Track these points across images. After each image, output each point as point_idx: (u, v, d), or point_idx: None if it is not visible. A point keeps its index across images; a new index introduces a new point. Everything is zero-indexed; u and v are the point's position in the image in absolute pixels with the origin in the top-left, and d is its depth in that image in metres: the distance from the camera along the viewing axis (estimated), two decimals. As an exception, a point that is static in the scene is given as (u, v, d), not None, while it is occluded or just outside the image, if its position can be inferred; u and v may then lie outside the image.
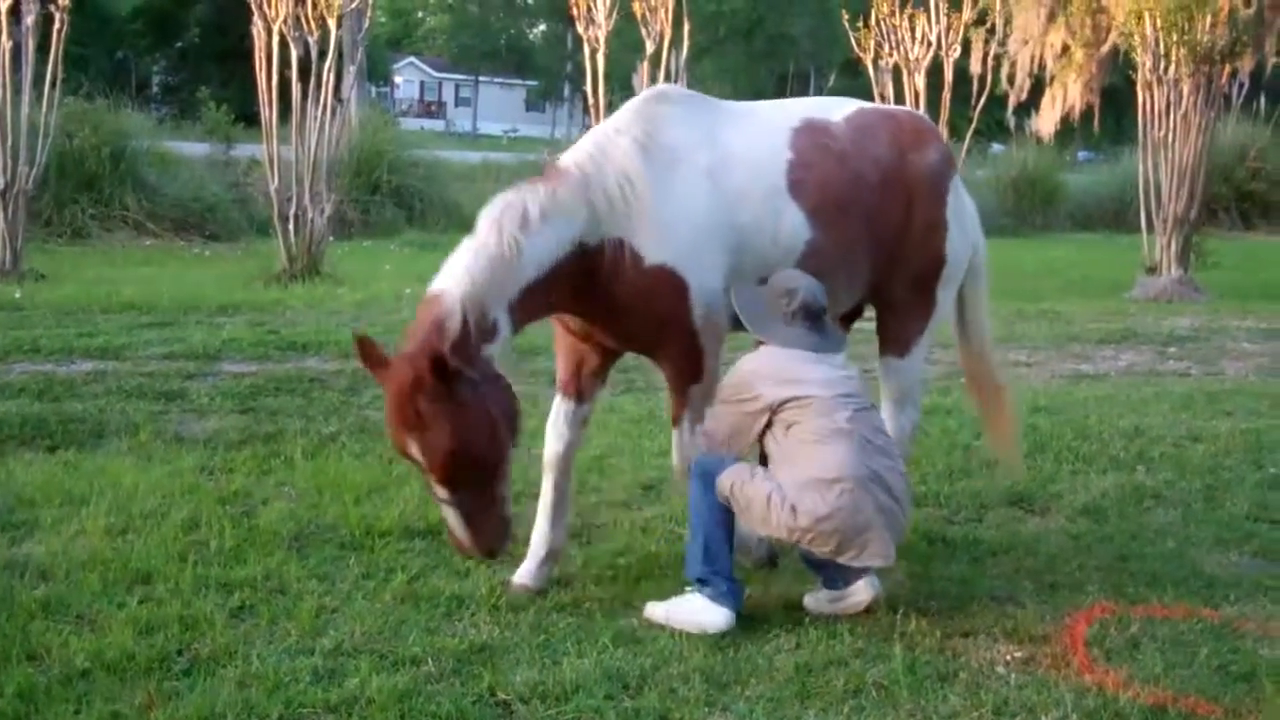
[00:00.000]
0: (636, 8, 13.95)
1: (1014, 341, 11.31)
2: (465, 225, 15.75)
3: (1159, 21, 14.51)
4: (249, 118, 26.19)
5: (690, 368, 5.12)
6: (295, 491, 6.29)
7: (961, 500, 6.61)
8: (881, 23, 14.70)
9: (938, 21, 14.60)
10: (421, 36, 79.79)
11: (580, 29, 14.07)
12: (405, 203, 21.69)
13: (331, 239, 15.09)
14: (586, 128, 49.34)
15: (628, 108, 5.10)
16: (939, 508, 6.49)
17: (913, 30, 14.59)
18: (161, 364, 8.90)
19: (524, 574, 5.19)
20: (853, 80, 45.77)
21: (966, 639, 4.70)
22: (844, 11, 15.31)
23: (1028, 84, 19.87)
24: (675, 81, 13.78)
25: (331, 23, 13.32)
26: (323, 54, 13.54)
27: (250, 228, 19.28)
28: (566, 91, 66.53)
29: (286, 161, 13.91)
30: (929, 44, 14.51)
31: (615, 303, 4.85)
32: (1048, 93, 21.25)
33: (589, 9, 13.91)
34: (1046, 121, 21.39)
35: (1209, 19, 14.52)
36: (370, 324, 10.69)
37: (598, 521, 6.03)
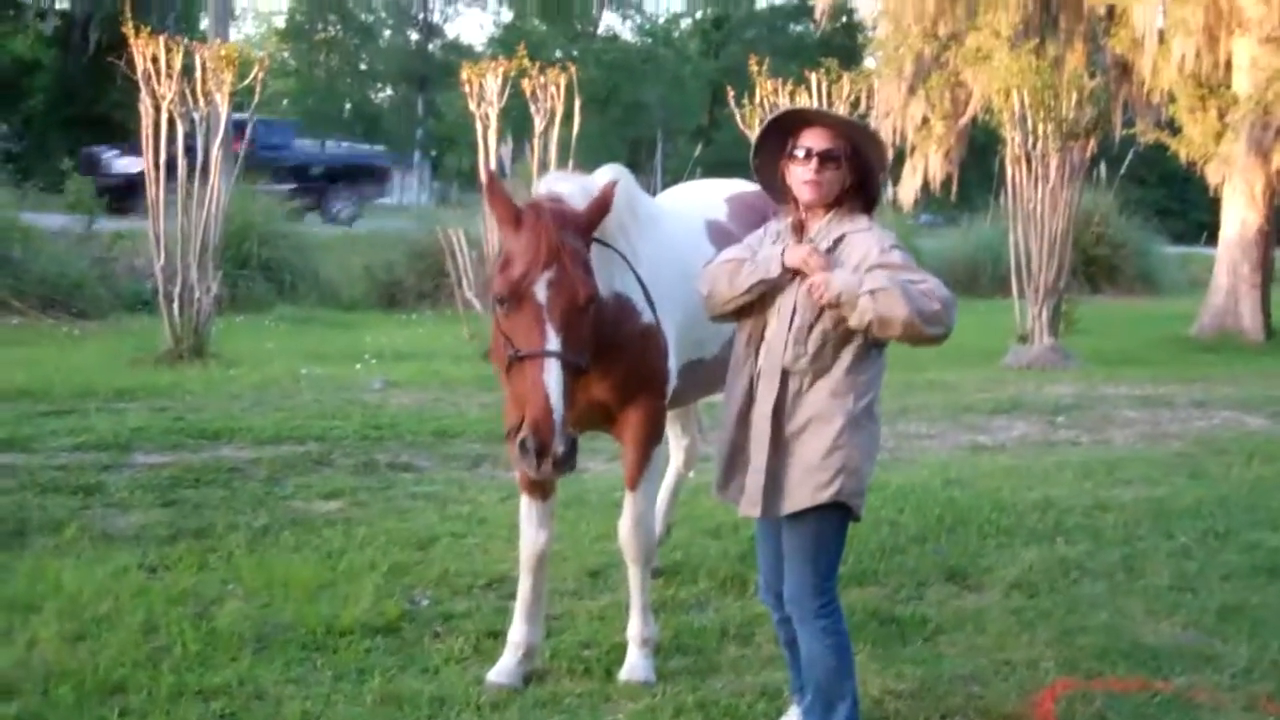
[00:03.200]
0: (527, 85, 14.07)
1: (911, 414, 11.63)
2: (336, 300, 15.80)
3: (1027, 99, 15.13)
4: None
5: (658, 428, 5.25)
6: (243, 590, 6.17)
7: (899, 577, 6.77)
8: (765, 100, 15.04)
9: (817, 96, 14.99)
10: (265, 101, 79.07)
11: (472, 106, 14.13)
12: (275, 277, 21.36)
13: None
14: (435, 195, 48.90)
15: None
16: (880, 585, 6.64)
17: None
18: (72, 456, 8.66)
19: (501, 672, 5.18)
20: (704, 147, 47.09)
21: (945, 721, 4.84)
22: (729, 87, 15.63)
23: (889, 154, 20.38)
24: (570, 155, 13.98)
25: (220, 98, 13.17)
26: (209, 130, 13.37)
27: (118, 304, 18.81)
28: (416, 158, 66.42)
29: (166, 238, 13.65)
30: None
31: (615, 354, 4.85)
32: (908, 163, 21.89)
33: (480, 86, 13.99)
34: (907, 190, 22.03)
35: (1074, 96, 15.19)
36: (274, 408, 10.59)
37: (554, 612, 6.02)
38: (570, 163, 14.18)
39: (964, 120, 21.53)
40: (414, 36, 67.96)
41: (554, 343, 4.24)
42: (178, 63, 12.85)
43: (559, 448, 4.16)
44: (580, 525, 7.62)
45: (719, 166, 14.60)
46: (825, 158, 4.27)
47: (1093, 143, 15.77)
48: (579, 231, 4.44)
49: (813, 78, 15.22)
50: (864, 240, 4.27)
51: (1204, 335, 20.52)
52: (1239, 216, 20.27)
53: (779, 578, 4.52)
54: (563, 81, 14.04)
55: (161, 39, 12.89)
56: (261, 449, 9.08)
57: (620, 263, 4.91)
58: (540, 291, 4.26)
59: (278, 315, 19.29)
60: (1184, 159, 20.79)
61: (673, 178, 49.25)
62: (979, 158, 28.36)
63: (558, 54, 58.16)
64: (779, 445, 4.33)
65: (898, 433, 10.74)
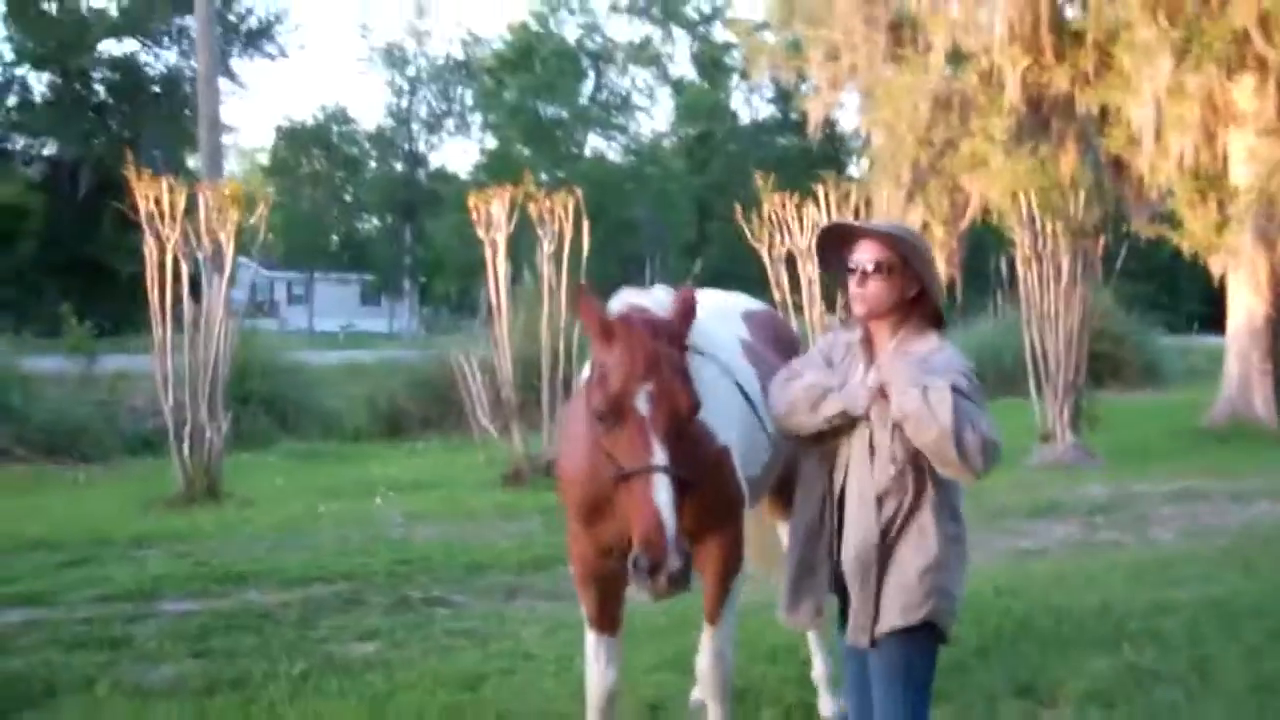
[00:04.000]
0: (534, 209, 14.02)
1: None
2: (341, 433, 15.58)
3: (1035, 200, 15.14)
4: (104, 331, 25.68)
5: (739, 557, 5.02)
6: (295, 744, 5.89)
7: (968, 695, 6.49)
8: (773, 215, 15.01)
9: (824, 210, 14.96)
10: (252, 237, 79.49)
11: (480, 233, 14.06)
12: (277, 411, 21.17)
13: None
14: (424, 320, 48.96)
15: None
16: (950, 704, 6.37)
17: (801, 220, 14.91)
18: (96, 607, 8.37)
19: None
20: (691, 261, 47.30)
21: None
22: (737, 206, 15.59)
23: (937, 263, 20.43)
24: (581, 275, 13.93)
25: (224, 237, 13.09)
26: (216, 269, 13.28)
27: (121, 446, 18.58)
28: (406, 284, 66.72)
29: (165, 378, 13.47)
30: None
31: (694, 478, 4.56)
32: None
33: (486, 212, 13.95)
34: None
35: (1082, 195, 15.22)
36: (298, 548, 10.33)
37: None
38: (582, 283, 14.14)
39: (963, 224, 21.59)
40: (399, 167, 68.60)
41: (660, 457, 4.03)
42: (181, 203, 12.77)
43: (674, 564, 3.91)
44: (631, 656, 7.31)
45: (713, 280, 14.53)
46: (869, 271, 4.17)
47: (1103, 240, 15.75)
48: (672, 341, 4.26)
49: (819, 190, 15.14)
50: (938, 358, 4.12)
51: (1217, 425, 20.36)
52: (1245, 306, 20.26)
53: (868, 708, 4.33)
54: (570, 204, 13.97)
55: (164, 180, 12.82)
56: (290, 591, 8.80)
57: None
58: (642, 404, 4.07)
59: (282, 451, 19.05)
60: (1186, 252, 20.80)
61: (664, 294, 49.10)
62: (971, 258, 28.45)
63: (543, 177, 58.80)
64: (869, 570, 4.17)
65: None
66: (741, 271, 21.44)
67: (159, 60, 53.11)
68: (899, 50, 22.74)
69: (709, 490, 4.68)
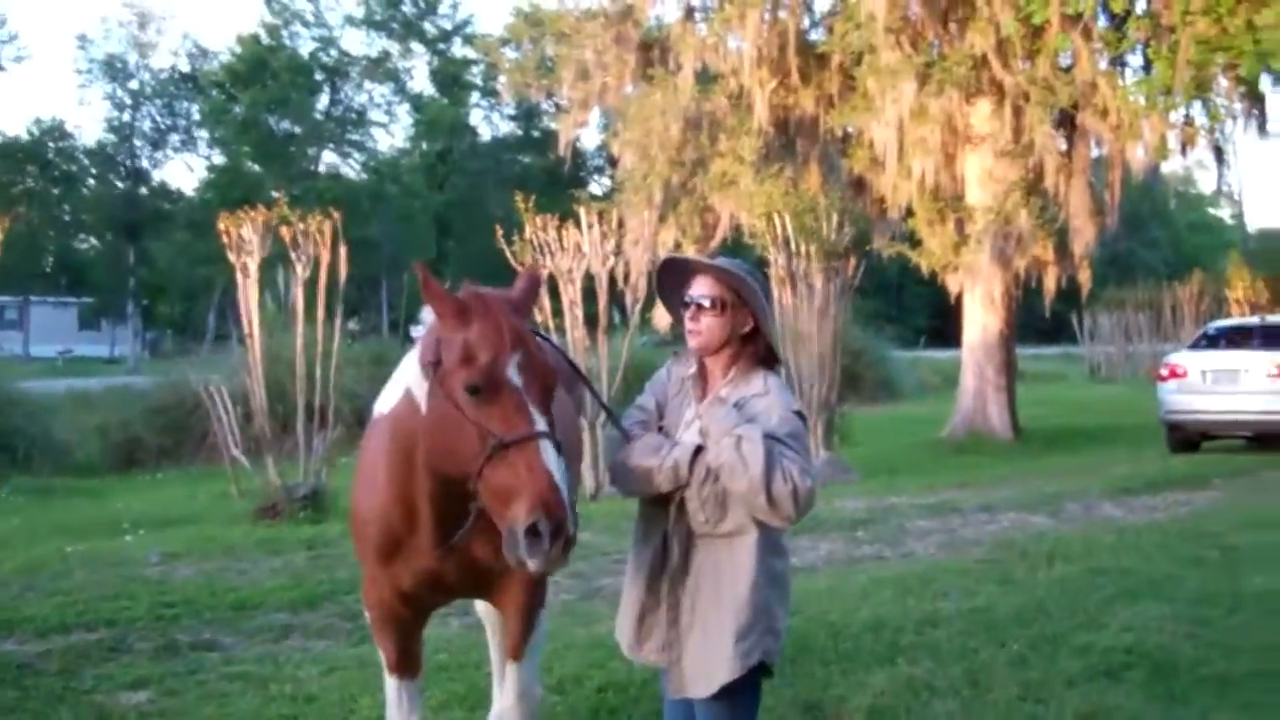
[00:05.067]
0: (286, 232, 13.59)
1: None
2: (76, 469, 14.81)
3: (789, 222, 15.51)
4: None
5: (543, 589, 4.91)
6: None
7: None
8: (534, 236, 14.95)
9: (586, 231, 15.00)
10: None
11: (232, 257, 13.55)
12: (5, 446, 19.91)
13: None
14: (148, 345, 47.24)
15: None
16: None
17: (561, 241, 14.91)
18: None
19: None
20: (445, 280, 46.46)
21: None
22: (497, 227, 15.46)
23: (641, 281, 20.61)
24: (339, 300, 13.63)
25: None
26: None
27: None
28: (129, 307, 64.05)
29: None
30: (581, 253, 14.89)
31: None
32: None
33: (239, 237, 13.44)
34: (661, 315, 22.25)
35: (835, 218, 15.67)
36: (50, 593, 9.70)
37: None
38: (339, 307, 13.82)
39: (714, 243, 21.97)
40: (120, 184, 65.84)
41: (541, 423, 3.92)
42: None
43: (571, 527, 3.81)
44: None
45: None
46: (703, 306, 4.18)
47: (853, 261, 16.25)
48: (524, 315, 4.22)
49: (580, 211, 15.18)
50: (759, 404, 4.13)
51: (956, 437, 21.27)
52: (980, 322, 21.21)
53: None
54: (328, 228, 13.60)
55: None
56: (49, 640, 8.23)
57: None
58: (514, 375, 3.97)
59: (13, 487, 17.92)
60: (925, 269, 21.66)
61: (401, 315, 48.91)
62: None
63: (274, 195, 56.98)
64: (700, 616, 4.17)
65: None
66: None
67: None
68: (650, 70, 23.02)
69: None
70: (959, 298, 21.52)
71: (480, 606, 6.16)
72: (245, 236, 13.40)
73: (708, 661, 4.13)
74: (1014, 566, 10.33)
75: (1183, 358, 19.30)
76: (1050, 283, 22.09)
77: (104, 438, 22.60)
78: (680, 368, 4.42)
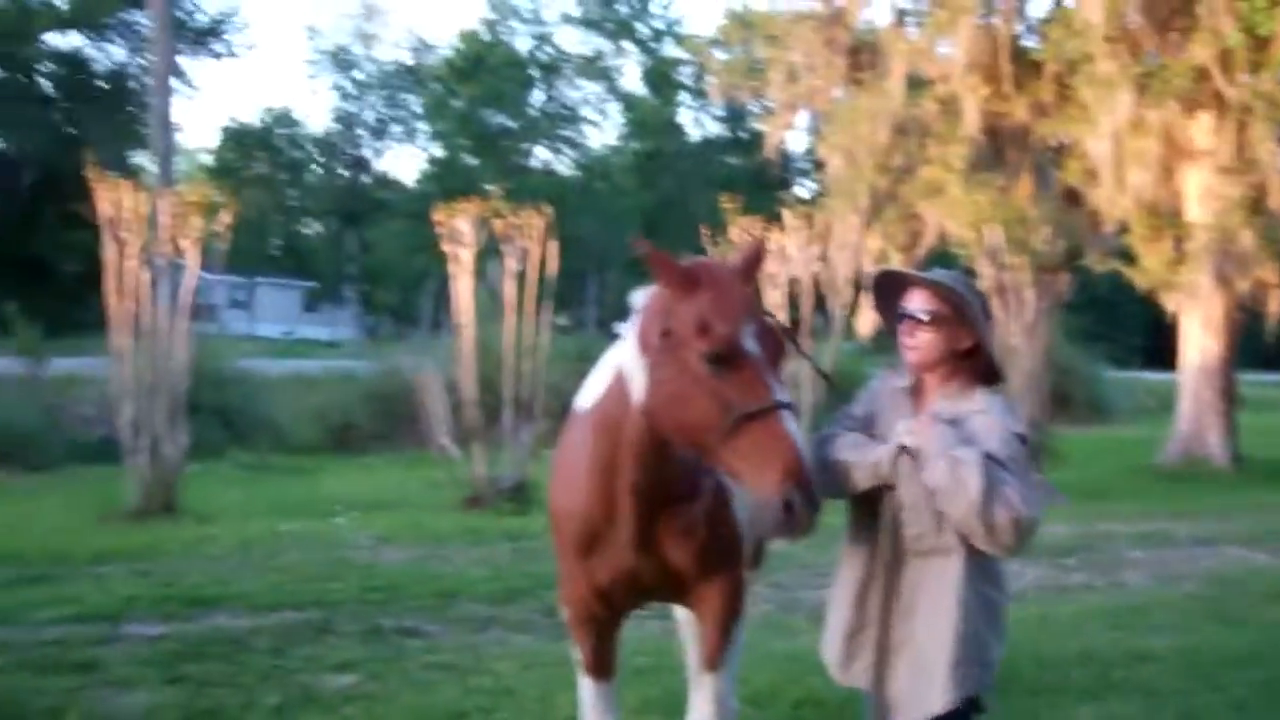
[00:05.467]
0: (499, 225, 13.88)
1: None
2: (291, 447, 15.32)
3: (1000, 233, 15.17)
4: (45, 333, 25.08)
5: (742, 601, 4.80)
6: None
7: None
8: (739, 238, 14.96)
9: (793, 236, 14.96)
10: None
11: (445, 246, 13.90)
12: (226, 421, 20.83)
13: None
14: (367, 330, 48.58)
15: None
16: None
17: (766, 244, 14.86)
18: (63, 629, 8.11)
19: None
20: (637, 279, 46.78)
21: None
22: (702, 228, 15.51)
23: (846, 288, 20.42)
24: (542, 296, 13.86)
25: (186, 244, 12.85)
26: (176, 276, 13.05)
27: (69, 455, 18.18)
28: (349, 293, 66.14)
29: (123, 388, 13.17)
30: (786, 257, 14.87)
31: (693, 511, 4.44)
32: (864, 294, 21.93)
33: (454, 228, 13.78)
34: (865, 322, 22.00)
35: (1047, 230, 15.27)
36: (262, 570, 10.11)
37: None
38: (548, 302, 14.03)
39: (920, 252, 21.63)
40: (343, 172, 68.05)
41: (781, 393, 3.84)
42: (144, 208, 12.52)
43: (820, 498, 3.76)
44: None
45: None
46: (919, 320, 4.08)
47: (1064, 275, 15.82)
48: (747, 285, 4.13)
49: (786, 214, 15.14)
50: (978, 422, 4.00)
51: (1171, 463, 20.50)
52: (1198, 344, 20.41)
53: None
54: (540, 223, 13.84)
55: (126, 184, 12.56)
56: (260, 617, 8.58)
57: None
58: (750, 344, 3.88)
59: (232, 462, 18.74)
60: (1141, 287, 20.93)
61: (608, 311, 49.33)
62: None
63: (488, 188, 58.13)
64: (909, 638, 4.08)
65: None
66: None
67: (105, 56, 52.36)
68: (858, 74, 22.79)
69: (710, 526, 4.52)
70: (1175, 317, 20.73)
71: (680, 613, 6.19)
72: (459, 228, 13.70)
73: (916, 688, 4.05)
74: (1231, 604, 9.90)
75: None
76: (1275, 306, 21.09)
77: (320, 419, 23.41)
78: (893, 380, 4.32)
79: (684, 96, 64.33)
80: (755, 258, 4.25)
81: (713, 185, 61.25)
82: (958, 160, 20.82)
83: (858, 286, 21.82)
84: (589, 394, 4.76)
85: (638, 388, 4.15)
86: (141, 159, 47.84)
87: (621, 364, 4.32)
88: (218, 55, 54.62)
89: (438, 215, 13.94)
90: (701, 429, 3.89)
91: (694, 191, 59.38)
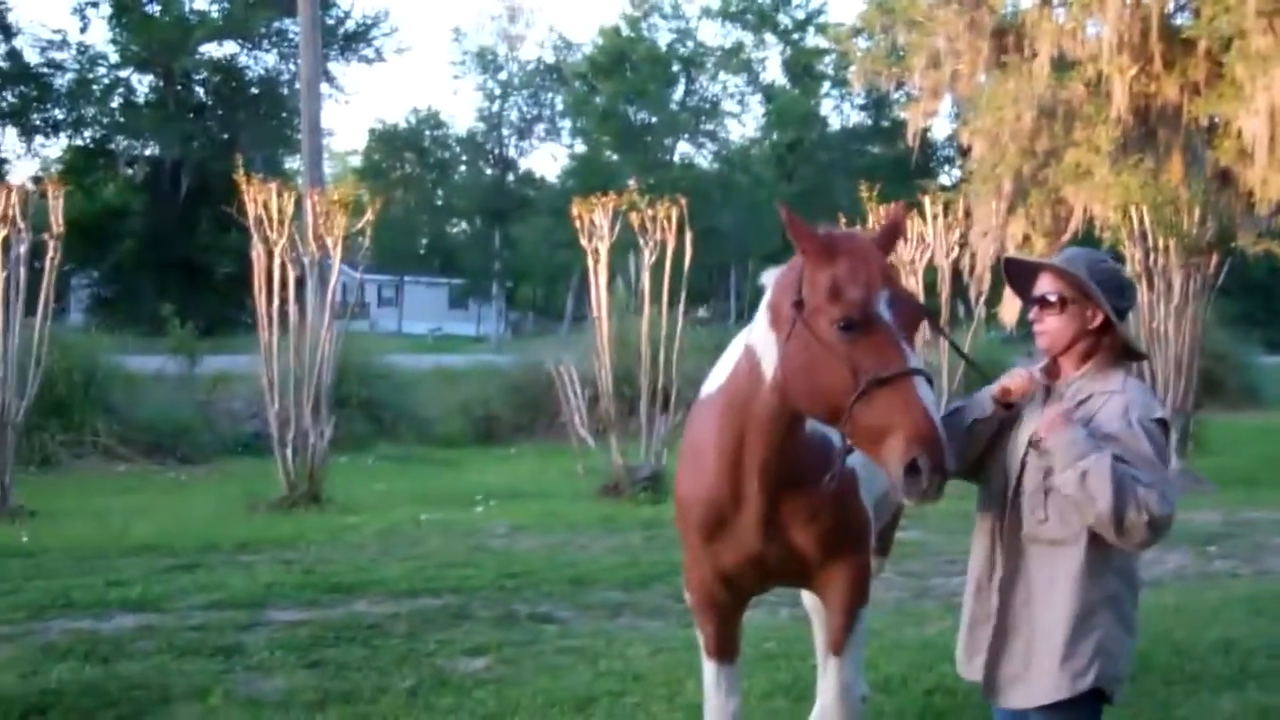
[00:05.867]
0: (635, 218, 13.96)
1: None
2: (433, 436, 15.56)
3: (1148, 215, 14.77)
4: (201, 332, 25.99)
5: (867, 587, 4.80)
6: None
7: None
8: (877, 226, 14.80)
9: (930, 222, 14.77)
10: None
11: (583, 240, 14.03)
12: (373, 414, 21.29)
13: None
14: (511, 325, 49.11)
15: None
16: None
17: (906, 231, 14.70)
18: (207, 615, 8.37)
19: None
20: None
21: None
22: (840, 215, 15.36)
23: (988, 275, 20.04)
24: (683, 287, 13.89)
25: (331, 242, 13.18)
26: (321, 274, 13.38)
27: (220, 448, 18.76)
28: (494, 289, 67.02)
29: (271, 382, 13.53)
30: (925, 244, 14.68)
31: (820, 496, 4.40)
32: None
33: (591, 222, 13.91)
34: (1009, 311, 21.63)
35: (1197, 211, 14.83)
36: (402, 557, 10.32)
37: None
38: (683, 294, 14.05)
39: (1065, 237, 21.15)
40: (488, 171, 68.93)
41: (915, 360, 3.85)
42: (290, 208, 12.86)
43: (951, 465, 3.75)
44: (745, 679, 7.14)
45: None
46: (1046, 302, 4.02)
47: (1215, 258, 15.33)
48: (885, 254, 4.15)
49: (925, 200, 14.94)
50: (1112, 405, 3.90)
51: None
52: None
53: None
54: (674, 215, 13.89)
55: (273, 186, 12.92)
56: (398, 603, 8.76)
57: None
58: (884, 310, 3.89)
59: (379, 454, 19.12)
60: (1295, 264, 20.23)
61: (747, 303, 49.15)
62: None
63: (630, 184, 58.34)
64: (1026, 624, 4.00)
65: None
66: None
67: (257, 63, 53.91)
68: (1003, 57, 22.36)
69: (836, 511, 4.55)
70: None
71: (807, 599, 6.18)
72: (596, 221, 13.82)
73: (1027, 671, 3.97)
74: (1382, 595, 9.52)
75: None
76: None
77: (465, 412, 23.75)
78: (1028, 368, 4.22)
79: (825, 87, 63.85)
80: (894, 228, 4.32)
81: (854, 175, 60.83)
82: (1106, 142, 20.33)
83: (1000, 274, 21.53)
84: (714, 379, 4.80)
85: (768, 363, 4.18)
86: (293, 163, 49.15)
87: (751, 341, 4.34)
88: (368, 60, 55.71)
89: (576, 209, 14.05)
90: (834, 395, 3.89)
91: (835, 182, 58.98)
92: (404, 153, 70.47)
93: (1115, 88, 20.49)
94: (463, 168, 71.09)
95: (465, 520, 12.28)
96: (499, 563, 10.05)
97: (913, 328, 3.94)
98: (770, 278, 4.34)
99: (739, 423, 4.38)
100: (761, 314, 4.30)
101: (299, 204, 13.15)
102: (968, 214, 18.04)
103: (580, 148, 65.87)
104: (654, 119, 60.85)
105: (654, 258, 14.06)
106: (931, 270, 14.96)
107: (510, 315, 70.80)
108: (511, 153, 69.44)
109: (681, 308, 14.21)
